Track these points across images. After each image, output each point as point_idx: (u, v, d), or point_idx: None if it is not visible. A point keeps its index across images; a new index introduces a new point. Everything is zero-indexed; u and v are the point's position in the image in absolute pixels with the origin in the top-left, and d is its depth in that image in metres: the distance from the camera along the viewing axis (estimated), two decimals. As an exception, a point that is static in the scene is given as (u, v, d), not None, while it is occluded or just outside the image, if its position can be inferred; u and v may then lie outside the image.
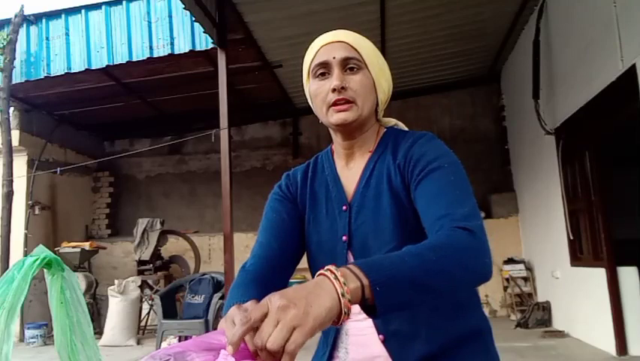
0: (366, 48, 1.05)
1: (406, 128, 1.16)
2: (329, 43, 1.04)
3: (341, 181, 1.11)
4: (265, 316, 0.65)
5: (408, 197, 1.00)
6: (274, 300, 0.66)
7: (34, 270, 1.59)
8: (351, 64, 1.03)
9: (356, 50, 1.03)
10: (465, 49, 7.05)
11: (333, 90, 1.01)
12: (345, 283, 0.69)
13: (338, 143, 1.12)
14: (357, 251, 1.03)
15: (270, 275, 1.01)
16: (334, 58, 1.02)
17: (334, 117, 1.02)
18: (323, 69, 1.04)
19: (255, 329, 0.66)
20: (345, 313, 0.69)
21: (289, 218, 1.12)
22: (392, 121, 1.16)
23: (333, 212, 1.09)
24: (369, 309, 0.73)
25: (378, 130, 1.12)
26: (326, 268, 0.72)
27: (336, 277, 0.70)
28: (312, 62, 1.06)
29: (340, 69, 1.02)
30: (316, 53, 1.05)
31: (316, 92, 1.05)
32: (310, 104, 1.11)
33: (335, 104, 1.01)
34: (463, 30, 6.44)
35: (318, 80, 1.04)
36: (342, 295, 0.68)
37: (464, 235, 0.83)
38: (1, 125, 6.79)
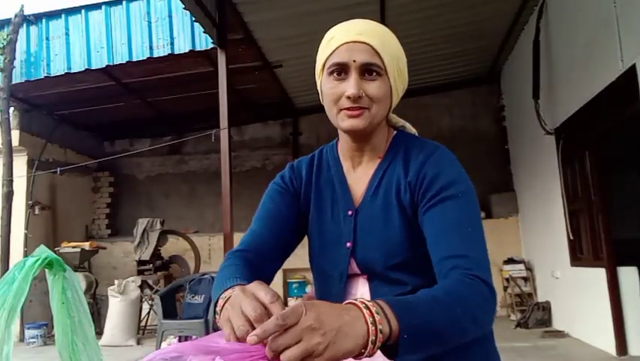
0: (389, 52, 0.98)
1: (414, 130, 1.13)
2: (351, 43, 0.96)
3: (348, 184, 1.08)
4: (295, 317, 0.65)
5: (415, 215, 0.98)
6: (309, 316, 0.64)
7: (34, 270, 1.59)
8: (372, 70, 0.96)
9: (379, 55, 0.96)
10: (465, 49, 7.06)
11: (348, 97, 0.95)
12: (380, 331, 0.68)
13: (346, 144, 1.08)
14: (360, 259, 1.02)
15: (258, 265, 1.00)
16: (354, 61, 0.95)
17: (344, 122, 0.98)
18: (340, 70, 0.97)
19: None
20: (365, 355, 0.68)
21: (287, 212, 1.10)
22: (400, 121, 1.13)
23: (339, 215, 1.07)
24: (387, 348, 0.72)
25: (388, 133, 1.08)
26: (363, 301, 0.70)
27: (373, 322, 0.68)
28: (329, 57, 0.99)
29: (358, 74, 0.96)
30: (335, 49, 0.97)
31: (329, 91, 0.98)
32: (320, 98, 1.06)
33: (347, 109, 0.97)
34: (463, 30, 6.44)
35: (333, 79, 0.98)
36: (373, 342, 0.68)
37: (485, 290, 0.84)
38: (1, 125, 6.78)
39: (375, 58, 0.96)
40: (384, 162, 1.05)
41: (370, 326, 0.67)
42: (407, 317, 0.71)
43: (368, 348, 0.67)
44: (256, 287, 0.72)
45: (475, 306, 0.81)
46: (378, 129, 1.04)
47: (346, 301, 0.72)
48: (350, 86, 0.95)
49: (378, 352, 0.71)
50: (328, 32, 1.02)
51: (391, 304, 0.71)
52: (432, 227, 0.93)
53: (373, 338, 0.67)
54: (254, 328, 0.66)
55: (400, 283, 0.98)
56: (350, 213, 1.05)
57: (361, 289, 1.03)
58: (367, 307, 0.69)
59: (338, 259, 1.04)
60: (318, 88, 1.06)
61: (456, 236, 0.89)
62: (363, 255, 1.02)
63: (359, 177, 1.07)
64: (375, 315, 0.68)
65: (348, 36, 0.97)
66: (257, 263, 1.00)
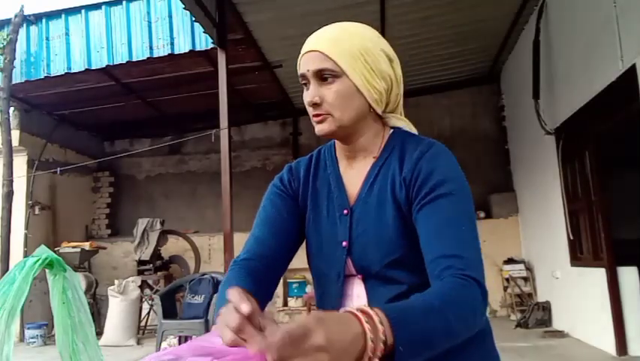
0: (346, 52, 0.97)
1: (414, 130, 1.11)
2: (307, 53, 1.01)
3: (343, 182, 1.08)
4: (305, 337, 0.63)
5: (410, 211, 0.97)
6: (317, 334, 0.63)
7: (35, 270, 1.59)
8: (325, 75, 0.99)
9: (330, 58, 0.97)
10: (465, 49, 7.05)
11: (309, 105, 1.01)
12: (373, 354, 0.68)
13: (338, 144, 1.10)
14: (356, 258, 1.01)
15: (263, 272, 1.00)
16: (308, 70, 1.00)
17: (315, 128, 1.03)
18: (304, 80, 1.02)
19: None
20: None
21: (288, 215, 1.09)
22: (399, 122, 1.10)
23: (334, 215, 1.06)
24: (381, 357, 0.72)
25: (384, 132, 1.07)
26: (363, 312, 0.69)
27: (372, 339, 0.67)
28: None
29: (317, 81, 1.00)
30: (300, 62, 1.03)
31: (304, 100, 1.04)
32: None
33: (314, 116, 1.02)
34: (463, 30, 6.44)
35: (305, 88, 1.03)
36: (369, 358, 0.67)
37: (477, 293, 0.84)
38: (1, 125, 6.78)
39: (326, 62, 0.98)
40: (380, 159, 1.05)
41: (369, 342, 0.67)
42: (404, 330, 0.71)
43: None
44: (236, 299, 0.71)
45: (467, 310, 0.81)
46: (364, 129, 1.04)
47: (346, 310, 0.71)
48: (307, 94, 1.01)
49: None
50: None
51: (390, 317, 0.71)
52: (425, 226, 0.92)
53: (370, 354, 0.67)
54: (238, 336, 0.67)
55: (396, 281, 0.97)
56: (345, 212, 1.05)
57: (357, 289, 1.03)
58: (367, 322, 0.69)
59: (334, 258, 1.04)
60: None
61: (449, 235, 0.89)
62: (359, 254, 1.01)
63: (355, 175, 1.07)
64: (373, 330, 0.68)
65: (306, 47, 1.02)
66: (262, 271, 1.00)
